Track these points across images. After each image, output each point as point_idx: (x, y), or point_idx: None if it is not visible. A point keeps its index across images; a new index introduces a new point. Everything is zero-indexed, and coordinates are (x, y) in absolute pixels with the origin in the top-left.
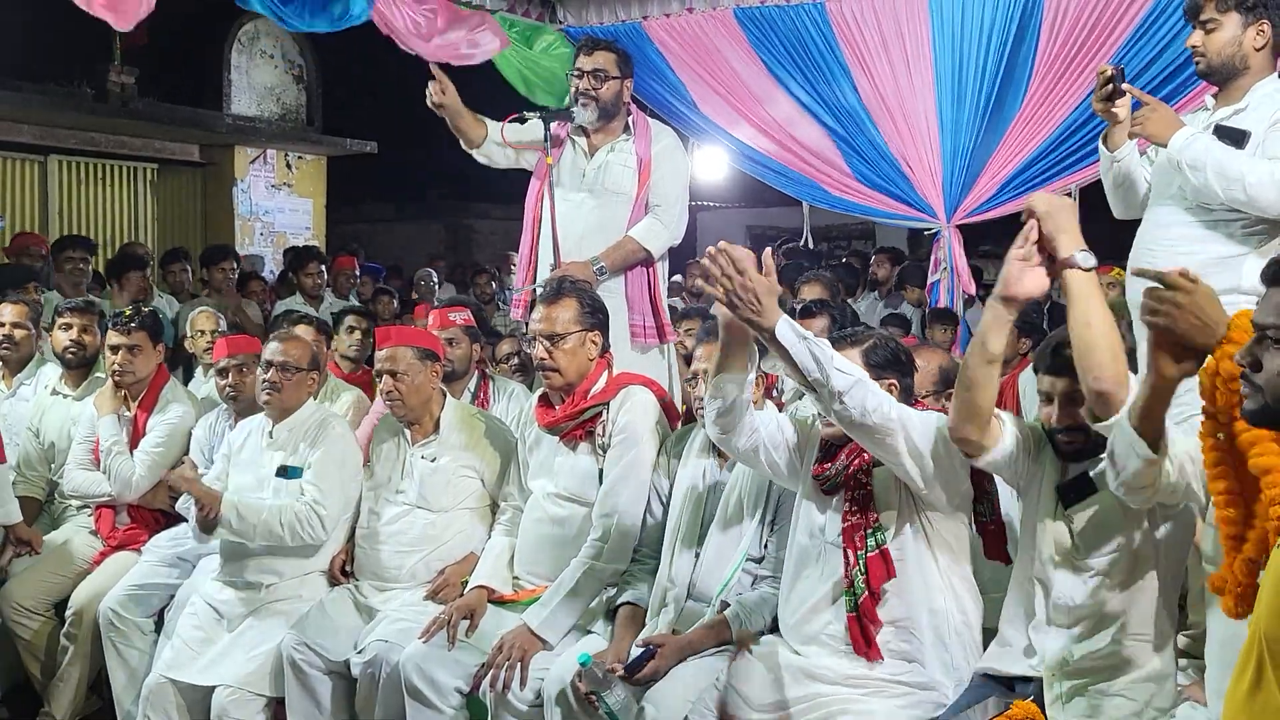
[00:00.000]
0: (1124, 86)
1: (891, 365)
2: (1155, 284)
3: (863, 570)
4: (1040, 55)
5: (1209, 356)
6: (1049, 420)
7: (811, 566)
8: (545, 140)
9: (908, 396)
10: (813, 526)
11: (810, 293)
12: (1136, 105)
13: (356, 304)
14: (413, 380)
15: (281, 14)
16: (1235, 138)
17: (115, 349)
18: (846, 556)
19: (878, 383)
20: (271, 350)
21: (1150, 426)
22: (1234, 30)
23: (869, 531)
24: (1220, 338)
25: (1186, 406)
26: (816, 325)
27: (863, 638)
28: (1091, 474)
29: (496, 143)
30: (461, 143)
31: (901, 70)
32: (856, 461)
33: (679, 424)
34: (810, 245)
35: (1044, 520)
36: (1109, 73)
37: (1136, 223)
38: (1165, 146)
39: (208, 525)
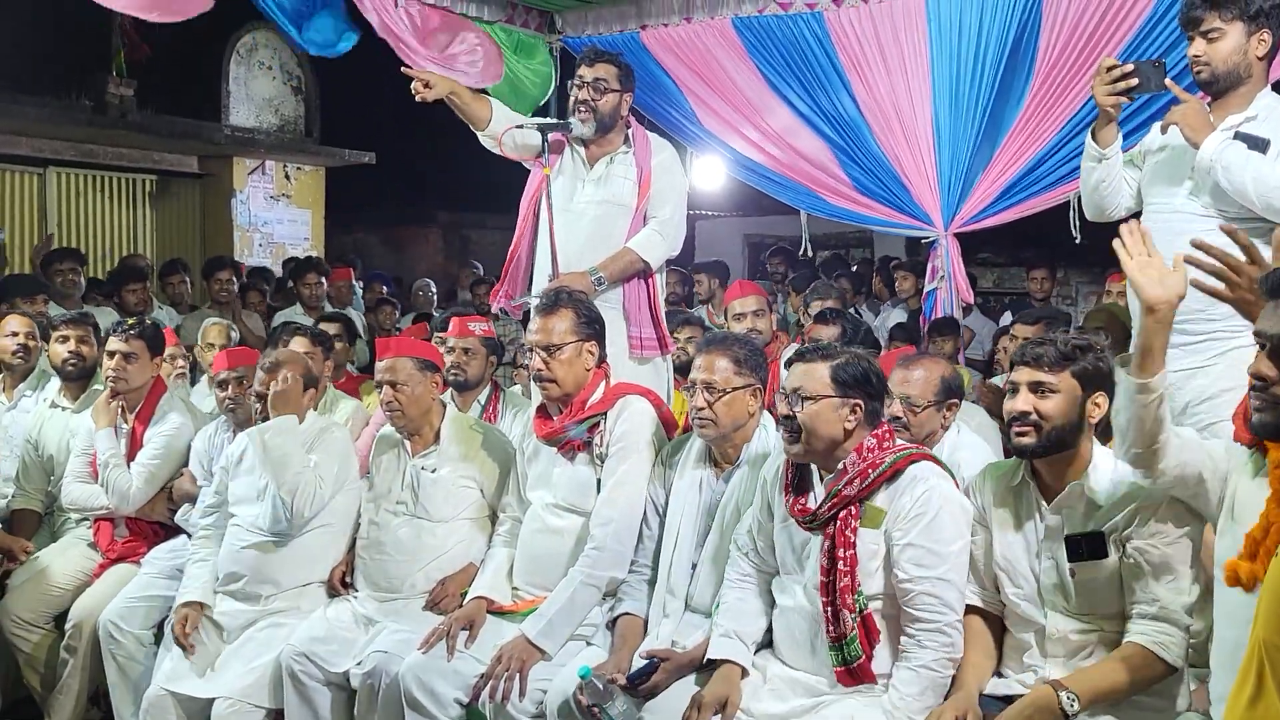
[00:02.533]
0: (1166, 82)
1: (859, 385)
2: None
3: (849, 641)
4: (1038, 63)
5: None
6: (1012, 410)
7: (795, 592)
8: (543, 151)
9: (873, 419)
10: (794, 546)
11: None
12: (1141, 98)
13: (332, 311)
14: (412, 391)
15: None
16: (1259, 145)
17: (112, 354)
18: (826, 611)
19: (844, 402)
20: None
21: (1151, 368)
22: (1238, 39)
23: (854, 596)
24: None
25: (1206, 415)
26: (827, 333)
27: (850, 678)
28: (1105, 531)
29: (502, 129)
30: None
31: (899, 79)
32: (836, 502)
33: (675, 434)
34: (810, 253)
35: (1034, 556)
36: (1129, 68)
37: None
38: (1198, 146)
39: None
